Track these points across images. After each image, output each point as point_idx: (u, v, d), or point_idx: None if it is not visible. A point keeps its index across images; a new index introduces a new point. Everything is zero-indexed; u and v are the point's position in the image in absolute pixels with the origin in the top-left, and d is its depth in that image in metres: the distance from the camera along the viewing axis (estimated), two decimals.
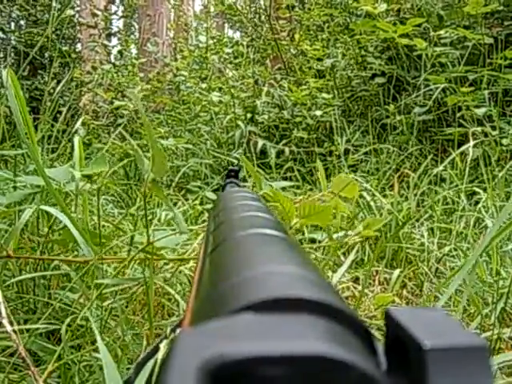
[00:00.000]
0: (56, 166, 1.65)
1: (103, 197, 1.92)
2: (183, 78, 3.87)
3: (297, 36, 4.09)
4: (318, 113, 2.97)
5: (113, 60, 5.61)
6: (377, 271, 1.39)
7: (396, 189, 1.81)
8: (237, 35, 7.15)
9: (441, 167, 2.00)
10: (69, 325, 0.79)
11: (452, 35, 2.75)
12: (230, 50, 4.68)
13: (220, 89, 3.88)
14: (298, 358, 0.14)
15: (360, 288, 1.24)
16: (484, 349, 0.15)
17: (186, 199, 2.20)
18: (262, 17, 4.59)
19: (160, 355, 0.56)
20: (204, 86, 3.73)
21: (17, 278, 0.96)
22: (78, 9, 6.21)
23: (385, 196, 1.96)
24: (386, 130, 2.82)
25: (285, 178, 2.61)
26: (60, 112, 2.29)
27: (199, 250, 0.41)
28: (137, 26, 8.02)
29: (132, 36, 8.08)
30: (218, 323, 0.16)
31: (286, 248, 0.27)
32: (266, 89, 3.33)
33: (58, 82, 2.30)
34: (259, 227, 0.31)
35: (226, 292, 0.21)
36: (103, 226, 1.27)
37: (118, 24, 8.78)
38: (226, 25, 9.35)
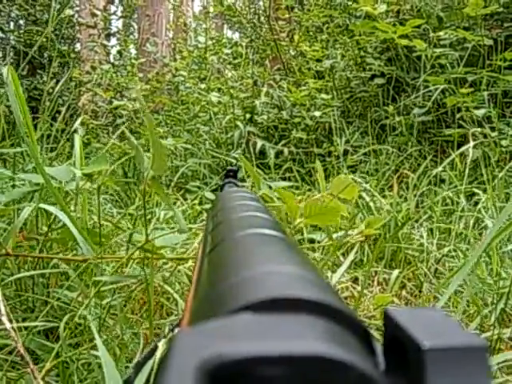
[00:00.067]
0: (55, 165, 1.64)
1: (102, 196, 1.91)
2: (182, 79, 3.87)
3: (296, 37, 4.09)
4: (317, 113, 2.97)
5: (112, 60, 5.61)
6: (376, 272, 1.39)
7: (395, 189, 1.81)
8: (236, 36, 7.15)
9: (440, 168, 2.00)
10: (67, 323, 0.79)
11: (451, 36, 2.75)
12: (229, 51, 4.69)
13: (219, 89, 3.88)
14: (297, 358, 0.14)
15: (359, 288, 1.24)
16: (483, 349, 0.15)
17: (185, 199, 2.20)
18: (262, 18, 4.60)
19: (158, 355, 0.55)
20: (203, 86, 3.73)
21: (15, 276, 0.96)
22: (78, 9, 6.21)
23: (384, 197, 1.96)
24: (386, 131, 2.83)
25: (284, 179, 2.61)
26: (59, 112, 2.29)
27: (198, 250, 0.41)
28: (136, 27, 8.03)
29: (131, 36, 8.08)
30: (217, 323, 0.16)
31: (284, 248, 0.27)
32: (265, 89, 3.33)
33: (57, 82, 2.30)
34: (258, 227, 0.31)
35: (224, 292, 0.20)
36: (102, 225, 1.27)
37: (117, 24, 8.80)
38: (226, 26, 9.35)
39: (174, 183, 2.46)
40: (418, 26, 2.80)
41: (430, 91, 2.66)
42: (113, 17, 7.61)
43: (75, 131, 1.68)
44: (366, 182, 2.06)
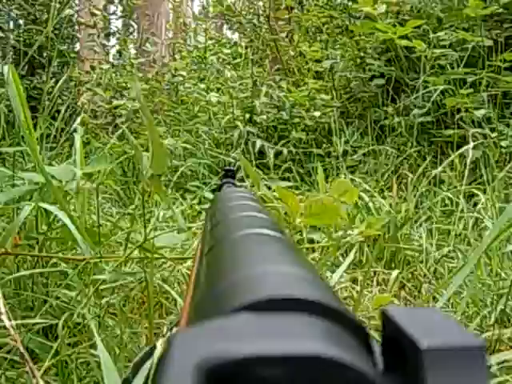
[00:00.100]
0: (54, 164, 1.64)
1: (101, 196, 1.91)
2: (182, 79, 3.87)
3: (296, 37, 4.09)
4: (317, 114, 2.98)
5: (111, 60, 5.61)
6: (375, 272, 1.39)
7: (394, 190, 1.81)
8: (235, 36, 7.16)
9: (440, 168, 2.00)
10: (66, 322, 0.79)
11: (451, 37, 2.75)
12: (228, 51, 4.69)
13: (218, 89, 3.88)
14: (295, 358, 0.14)
15: (358, 289, 1.24)
16: (482, 349, 0.15)
17: (184, 199, 2.20)
18: (261, 18, 4.59)
19: (156, 355, 0.55)
20: (202, 86, 3.73)
21: (15, 275, 0.96)
22: (77, 8, 6.22)
23: (383, 197, 1.96)
24: (385, 132, 2.83)
25: (283, 179, 2.61)
26: (58, 111, 2.29)
27: (197, 250, 0.41)
28: (135, 26, 8.03)
29: (131, 36, 8.08)
30: (215, 323, 0.16)
31: (282, 248, 0.27)
32: (264, 89, 3.33)
33: (57, 82, 2.29)
34: (256, 227, 0.31)
35: (222, 292, 0.20)
36: (101, 224, 1.27)
37: (116, 24, 8.80)
38: (225, 26, 9.35)
39: (173, 183, 2.46)
40: (418, 27, 2.80)
41: (430, 92, 2.66)
42: (112, 16, 7.62)
43: (75, 131, 1.67)
44: (366, 183, 2.06)
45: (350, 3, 3.51)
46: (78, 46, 6.56)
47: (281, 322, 0.16)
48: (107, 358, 0.65)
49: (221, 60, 4.52)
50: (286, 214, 1.03)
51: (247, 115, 3.16)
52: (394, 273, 1.30)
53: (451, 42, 2.77)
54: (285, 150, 2.84)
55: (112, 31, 7.16)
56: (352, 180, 1.92)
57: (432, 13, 3.08)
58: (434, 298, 1.25)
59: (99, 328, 0.85)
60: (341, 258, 1.39)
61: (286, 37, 4.21)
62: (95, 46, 5.14)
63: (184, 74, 3.94)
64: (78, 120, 1.89)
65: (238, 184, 1.02)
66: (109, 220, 1.47)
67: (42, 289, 1.00)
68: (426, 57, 2.76)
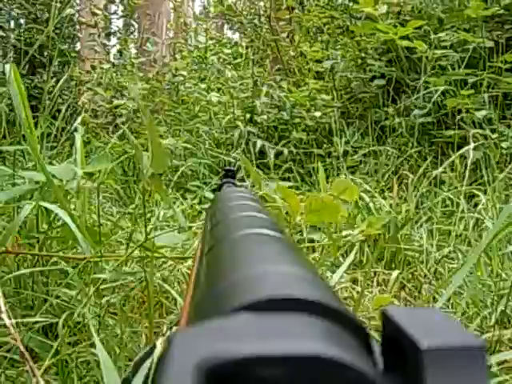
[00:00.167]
0: (55, 163, 1.64)
1: (102, 195, 1.91)
2: (182, 78, 3.87)
3: (296, 37, 4.09)
4: (317, 114, 2.97)
5: (112, 59, 5.61)
6: (375, 272, 1.39)
7: (395, 190, 1.81)
8: (236, 36, 7.16)
9: (440, 169, 2.00)
10: (66, 321, 0.79)
11: (452, 38, 2.75)
12: (229, 51, 4.69)
13: (219, 89, 3.88)
14: (295, 358, 0.14)
15: (359, 289, 1.24)
16: (482, 349, 0.15)
17: (185, 198, 2.20)
18: (262, 18, 4.59)
19: (156, 354, 0.55)
20: (203, 86, 3.73)
21: (15, 274, 0.96)
22: (78, 8, 6.21)
23: (384, 198, 1.96)
24: (386, 132, 2.83)
25: (283, 179, 2.61)
26: (59, 110, 2.29)
27: (197, 249, 0.41)
28: (136, 26, 8.03)
29: (131, 36, 8.08)
30: (215, 323, 0.16)
31: (282, 248, 0.27)
32: (265, 89, 3.33)
33: (57, 81, 2.29)
34: (256, 227, 0.31)
35: (222, 291, 0.20)
36: (102, 224, 1.27)
37: (117, 23, 8.80)
38: (226, 26, 9.35)
39: (173, 183, 2.46)
40: (419, 28, 2.80)
41: (431, 92, 2.66)
42: (113, 16, 7.62)
43: (75, 130, 1.67)
44: (366, 183, 2.06)
45: (350, 4, 3.51)
46: (78, 46, 6.56)
47: (281, 322, 0.16)
48: (106, 358, 0.65)
49: (221, 60, 4.52)
50: (287, 213, 1.04)
51: (248, 115, 3.16)
52: (395, 273, 1.30)
53: (452, 42, 2.77)
54: (285, 150, 2.84)
55: (113, 31, 7.16)
56: (352, 180, 1.91)
57: (433, 13, 3.08)
58: (435, 298, 1.25)
59: (99, 327, 0.85)
60: (341, 259, 1.39)
61: (287, 37, 4.21)
62: (96, 46, 5.14)
63: (185, 73, 3.94)
64: (79, 119, 1.89)
65: (239, 184, 1.03)
66: (109, 219, 1.47)
67: (43, 288, 1.00)
68: (426, 57, 2.76)
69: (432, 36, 2.77)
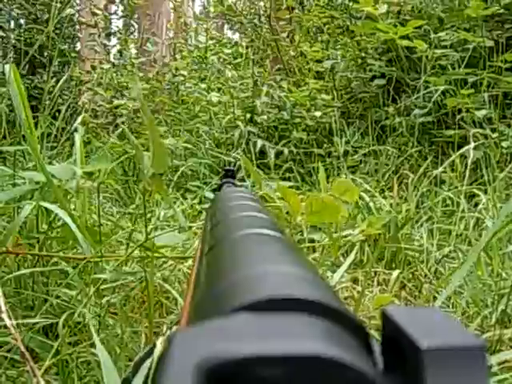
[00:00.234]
0: (55, 163, 1.64)
1: (102, 195, 1.91)
2: (182, 78, 3.87)
3: (297, 37, 4.09)
4: (318, 114, 2.97)
5: (112, 59, 5.61)
6: (376, 272, 1.39)
7: (395, 190, 1.81)
8: (236, 36, 7.16)
9: (440, 169, 2.00)
10: (66, 321, 0.79)
11: (452, 38, 2.75)
12: (229, 51, 4.68)
13: (219, 89, 3.88)
14: (295, 358, 0.14)
15: (359, 289, 1.24)
16: (482, 349, 0.15)
17: (185, 198, 2.20)
18: (262, 18, 4.60)
19: (156, 354, 0.55)
20: (203, 86, 3.73)
21: (15, 274, 0.96)
22: (78, 8, 6.21)
23: (384, 197, 1.96)
24: (386, 132, 2.83)
25: (284, 179, 2.61)
26: (59, 110, 2.29)
27: (197, 249, 0.41)
28: (136, 26, 8.03)
29: (132, 36, 8.08)
30: (215, 322, 0.16)
31: (282, 248, 0.27)
32: (265, 89, 3.33)
33: (58, 81, 2.29)
34: (256, 227, 0.31)
35: (222, 291, 0.20)
36: (102, 224, 1.27)
37: (117, 24, 8.79)
38: (226, 26, 9.35)
39: (173, 183, 2.46)
40: (419, 27, 2.80)
41: (431, 92, 2.66)
42: (113, 16, 7.62)
43: (75, 130, 1.67)
44: (367, 183, 2.06)
45: (350, 3, 3.51)
46: (78, 46, 6.56)
47: (281, 322, 0.16)
48: (106, 358, 0.65)
49: (222, 60, 4.51)
50: (287, 213, 1.04)
51: (248, 115, 3.16)
52: (395, 273, 1.29)
53: (452, 42, 2.77)
54: (286, 150, 2.84)
55: (113, 31, 7.16)
56: (353, 180, 1.91)
57: (433, 13, 3.08)
58: (435, 297, 1.24)
59: (100, 327, 0.85)
60: (341, 258, 1.39)
61: (287, 37, 4.21)
62: (96, 46, 5.14)
63: (185, 73, 3.94)
64: (79, 119, 1.89)
65: (239, 184, 1.03)
66: (109, 219, 1.47)
67: (43, 288, 1.00)
68: (426, 57, 2.76)
69: (432, 35, 2.77)
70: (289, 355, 0.14)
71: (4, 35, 5.71)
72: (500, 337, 0.94)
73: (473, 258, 0.94)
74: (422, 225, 1.70)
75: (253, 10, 5.22)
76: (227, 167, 0.93)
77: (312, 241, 1.39)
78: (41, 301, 0.97)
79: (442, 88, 2.58)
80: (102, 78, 4.18)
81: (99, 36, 5.13)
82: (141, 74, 4.38)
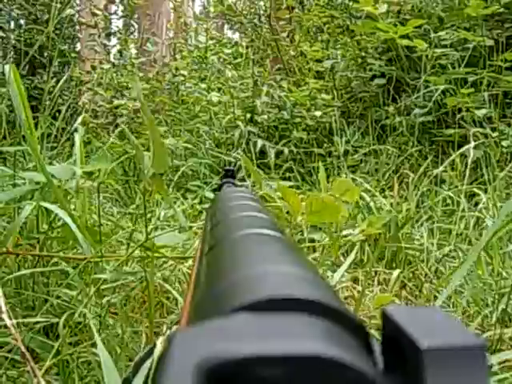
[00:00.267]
0: (55, 164, 1.64)
1: (102, 195, 1.91)
2: (182, 78, 3.87)
3: (297, 37, 4.09)
4: (318, 113, 2.97)
5: (112, 59, 5.61)
6: (376, 272, 1.39)
7: (396, 190, 1.81)
8: (236, 36, 7.16)
9: (441, 168, 2.00)
10: (67, 321, 0.79)
11: (452, 37, 2.75)
12: (229, 51, 4.68)
13: (219, 89, 3.88)
14: (295, 358, 0.14)
15: (360, 288, 1.24)
16: (482, 348, 0.15)
17: (185, 198, 2.20)
18: (262, 18, 4.60)
19: (156, 354, 0.55)
20: (203, 86, 3.73)
21: (15, 274, 0.96)
22: (78, 8, 6.21)
23: (384, 197, 1.96)
24: (386, 131, 2.83)
25: (284, 179, 2.61)
26: (59, 111, 2.29)
27: (197, 249, 0.41)
28: (136, 26, 8.03)
29: (132, 36, 8.08)
30: (215, 322, 0.16)
31: (282, 248, 0.27)
32: (265, 89, 3.33)
33: (58, 81, 2.29)
34: (256, 227, 0.31)
35: (222, 291, 0.20)
36: (102, 224, 1.27)
37: (117, 24, 8.79)
38: (226, 26, 9.35)
39: (174, 183, 2.46)
40: (419, 27, 2.80)
41: (431, 91, 2.66)
42: (113, 16, 7.62)
43: (75, 130, 1.67)
44: (367, 182, 2.06)
45: (350, 3, 3.51)
46: (78, 46, 6.56)
47: (281, 322, 0.16)
48: (107, 358, 0.65)
49: (222, 60, 4.51)
50: (287, 213, 1.04)
51: (248, 115, 3.16)
52: (395, 272, 1.29)
53: (452, 41, 2.77)
54: (286, 150, 2.84)
55: (113, 31, 7.15)
56: (353, 179, 1.92)
57: (433, 12, 3.08)
58: (436, 297, 1.24)
59: (100, 327, 0.85)
60: (342, 258, 1.39)
61: (287, 36, 4.21)
62: (96, 46, 5.14)
63: (185, 73, 3.94)
64: (79, 120, 1.89)
65: (239, 184, 1.03)
66: (110, 219, 1.47)
67: (43, 288, 1.00)
68: (427, 56, 2.76)
69: (432, 35, 2.77)
70: (289, 355, 0.14)
71: (4, 36, 5.71)
72: (500, 336, 0.94)
73: (473, 257, 0.94)
74: (422, 224, 1.70)
75: (253, 10, 5.22)
76: (227, 167, 0.93)
77: (312, 240, 1.39)
78: (41, 301, 0.97)
79: (442, 87, 2.58)
80: (102, 78, 4.18)
81: (99, 36, 5.13)
82: (141, 74, 4.38)
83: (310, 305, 0.17)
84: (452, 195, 1.85)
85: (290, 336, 0.15)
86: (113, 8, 8.15)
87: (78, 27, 6.32)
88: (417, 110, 2.68)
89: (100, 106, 3.98)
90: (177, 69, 3.95)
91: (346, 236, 1.20)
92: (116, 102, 3.69)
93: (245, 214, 0.36)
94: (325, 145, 2.90)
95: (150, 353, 0.57)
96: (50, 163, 1.69)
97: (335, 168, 2.56)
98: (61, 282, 1.02)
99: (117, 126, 3.59)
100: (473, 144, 1.95)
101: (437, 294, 1.24)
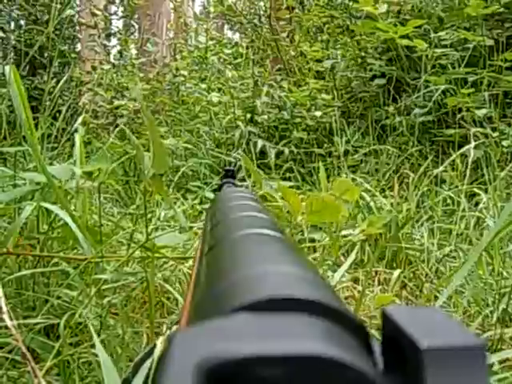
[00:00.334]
0: (55, 164, 1.64)
1: (102, 195, 1.91)
2: (183, 79, 3.87)
3: (297, 37, 4.09)
4: (318, 113, 2.97)
5: (112, 60, 5.61)
6: (377, 272, 1.39)
7: (396, 189, 1.81)
8: (236, 36, 7.16)
9: (441, 168, 2.00)
10: (68, 322, 0.79)
11: (452, 37, 2.75)
12: (229, 51, 4.68)
13: (220, 89, 3.88)
14: (295, 358, 0.14)
15: (360, 288, 1.23)
16: (482, 348, 0.15)
17: (186, 199, 2.20)
18: (262, 18, 4.60)
19: (156, 354, 0.55)
20: (204, 86, 3.73)
21: (16, 275, 0.96)
22: (78, 9, 6.21)
23: (385, 197, 1.96)
24: (386, 131, 2.83)
25: (284, 179, 2.61)
26: (59, 111, 2.29)
27: (197, 249, 0.41)
28: (136, 26, 8.03)
29: (132, 36, 8.08)
30: (215, 323, 0.16)
31: (282, 248, 0.27)
32: (265, 89, 3.33)
33: (58, 82, 2.30)
34: (256, 227, 0.31)
35: (222, 292, 0.20)
36: (103, 224, 1.27)
37: (117, 24, 8.80)
38: (226, 26, 9.35)
39: (174, 183, 2.46)
40: (419, 27, 2.80)
41: (431, 91, 2.66)
42: (113, 17, 7.62)
43: (76, 131, 1.68)
44: (367, 182, 2.06)
45: (350, 3, 3.51)
46: (78, 47, 6.57)
47: (281, 322, 0.16)
48: (106, 358, 0.65)
49: (222, 60, 4.51)
50: (288, 212, 1.04)
51: (248, 115, 3.16)
52: (396, 272, 1.29)
53: (452, 41, 2.77)
54: (286, 150, 2.84)
55: (113, 31, 7.16)
56: (353, 179, 1.92)
57: (433, 12, 3.08)
58: (436, 297, 1.24)
59: (101, 328, 0.85)
60: (342, 258, 1.39)
61: (287, 37, 4.21)
62: (96, 47, 5.15)
63: (185, 74, 3.94)
64: (79, 120, 1.89)
65: (239, 184, 1.03)
66: (110, 220, 1.47)
67: (44, 288, 1.00)
68: (427, 56, 2.76)
69: (432, 35, 2.77)
70: (289, 355, 0.14)
71: (4, 36, 5.71)
72: (501, 336, 0.94)
73: (474, 257, 0.94)
74: (422, 224, 1.69)
75: (253, 10, 5.22)
76: (227, 167, 0.93)
77: (312, 240, 1.39)
78: (42, 301, 0.97)
79: (442, 87, 2.58)
80: (102, 78, 4.18)
81: (99, 37, 5.14)
82: (141, 75, 4.38)
83: (310, 305, 0.17)
84: (452, 195, 1.85)
85: (290, 336, 0.15)
86: (113, 8, 8.16)
87: (78, 28, 6.33)
88: (417, 110, 2.68)
89: (100, 107, 3.98)
90: (177, 69, 3.95)
91: (346, 236, 1.20)
92: (116, 102, 3.69)
93: (245, 214, 0.36)
94: (325, 145, 2.90)
95: (150, 353, 0.57)
96: (51, 163, 1.69)
97: (335, 168, 2.56)
98: (61, 283, 1.02)
99: (117, 126, 3.59)
100: (473, 144, 1.95)
101: (437, 294, 1.24)
